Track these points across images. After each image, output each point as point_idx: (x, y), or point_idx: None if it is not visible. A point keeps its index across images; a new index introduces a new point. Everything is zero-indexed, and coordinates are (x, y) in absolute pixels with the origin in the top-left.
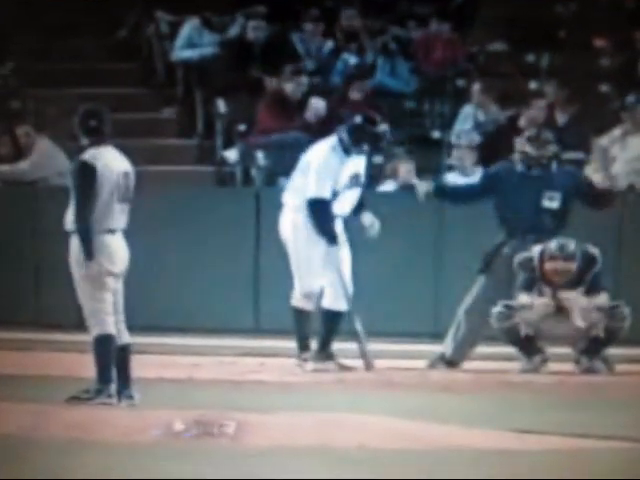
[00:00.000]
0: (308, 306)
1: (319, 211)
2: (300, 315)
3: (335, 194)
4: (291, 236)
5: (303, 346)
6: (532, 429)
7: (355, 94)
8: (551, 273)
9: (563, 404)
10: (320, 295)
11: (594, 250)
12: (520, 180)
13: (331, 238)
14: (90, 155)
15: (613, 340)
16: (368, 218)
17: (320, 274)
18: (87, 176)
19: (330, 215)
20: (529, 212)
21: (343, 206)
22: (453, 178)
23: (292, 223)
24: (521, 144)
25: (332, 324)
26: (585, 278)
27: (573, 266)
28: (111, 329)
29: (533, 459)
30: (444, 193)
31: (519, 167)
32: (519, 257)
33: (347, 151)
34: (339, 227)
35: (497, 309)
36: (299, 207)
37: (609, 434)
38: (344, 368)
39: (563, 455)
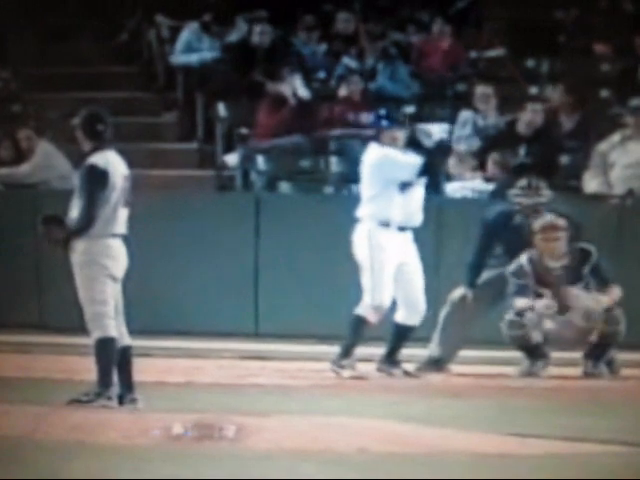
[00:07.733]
0: (373, 318)
1: None
2: (360, 324)
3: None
4: (363, 247)
5: (346, 353)
6: (532, 433)
7: (343, 91)
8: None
9: (562, 408)
10: (389, 310)
11: (588, 246)
12: (518, 229)
13: None
14: (99, 159)
15: (612, 344)
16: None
17: (392, 287)
18: (98, 180)
19: None
20: (523, 249)
21: (413, 210)
22: (453, 187)
23: (363, 234)
24: (515, 196)
25: (403, 337)
26: (582, 273)
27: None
28: (112, 332)
29: (533, 463)
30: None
31: (517, 218)
32: (511, 267)
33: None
34: (409, 240)
35: (509, 317)
36: (369, 217)
37: (608, 438)
38: (409, 375)
39: (563, 459)
